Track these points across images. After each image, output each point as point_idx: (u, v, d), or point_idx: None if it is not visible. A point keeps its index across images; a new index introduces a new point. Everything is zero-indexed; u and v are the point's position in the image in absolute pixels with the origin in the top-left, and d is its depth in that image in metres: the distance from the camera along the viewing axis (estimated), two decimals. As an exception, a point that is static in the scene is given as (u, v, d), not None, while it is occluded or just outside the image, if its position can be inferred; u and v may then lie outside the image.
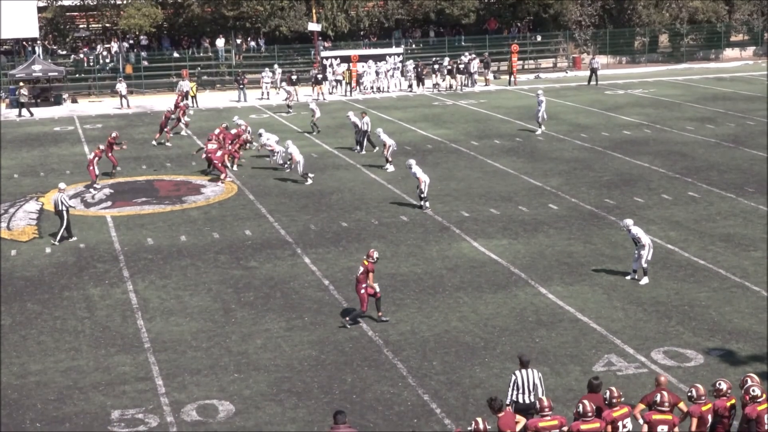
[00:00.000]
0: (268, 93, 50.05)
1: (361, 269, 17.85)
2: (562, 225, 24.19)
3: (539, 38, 61.63)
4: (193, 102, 47.15)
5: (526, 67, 60.68)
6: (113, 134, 32.07)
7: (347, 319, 17.95)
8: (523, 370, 13.26)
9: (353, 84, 50.48)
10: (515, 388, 13.21)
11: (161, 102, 48.93)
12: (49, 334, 18.08)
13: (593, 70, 52.63)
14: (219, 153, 30.12)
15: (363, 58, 52.46)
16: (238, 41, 56.80)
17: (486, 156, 33.16)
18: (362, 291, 17.80)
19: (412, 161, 26.54)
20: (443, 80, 51.63)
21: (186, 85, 47.06)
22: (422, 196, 25.82)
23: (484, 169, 31.10)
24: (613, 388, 12.21)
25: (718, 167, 30.15)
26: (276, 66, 51.28)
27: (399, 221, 24.99)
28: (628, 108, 43.13)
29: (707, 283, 19.75)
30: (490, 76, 54.38)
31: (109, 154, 31.19)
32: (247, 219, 25.68)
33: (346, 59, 52.07)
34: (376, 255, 18.05)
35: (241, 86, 49.05)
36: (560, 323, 17.90)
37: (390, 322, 18.09)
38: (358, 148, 34.07)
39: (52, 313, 19.16)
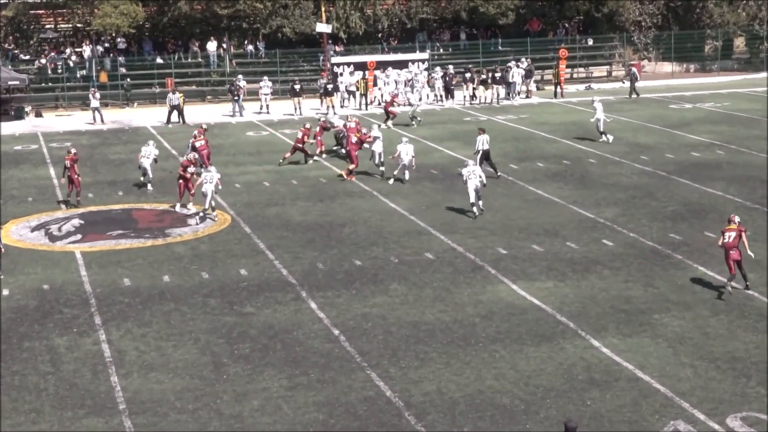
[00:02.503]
0: (267, 106, 50.38)
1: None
2: (618, 265, 24.13)
3: (591, 42, 61.92)
4: (179, 118, 47.49)
5: (575, 76, 60.91)
6: (71, 151, 31.58)
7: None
8: (572, 440, 13.18)
9: (369, 95, 50.69)
10: (563, 460, 13.13)
11: (141, 116, 49.31)
12: (6, 393, 18.10)
13: (631, 80, 52.76)
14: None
15: (380, 64, 52.70)
16: (234, 45, 57.25)
17: (527, 181, 33.19)
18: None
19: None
20: (478, 90, 51.80)
21: (176, 98, 47.28)
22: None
23: (524, 198, 31.11)
24: None
25: (806, 196, 30.10)
26: (266, 79, 51.37)
27: (423, 259, 24.99)
28: (697, 125, 43.11)
29: (794, 336, 19.62)
30: (533, 87, 54.64)
31: (75, 176, 31.06)
32: (243, 256, 25.71)
33: (360, 66, 52.38)
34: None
35: (236, 98, 49.38)
36: (616, 383, 17.78)
37: (413, 379, 18.02)
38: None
39: (9, 368, 19.19)
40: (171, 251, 26.33)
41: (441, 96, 52.35)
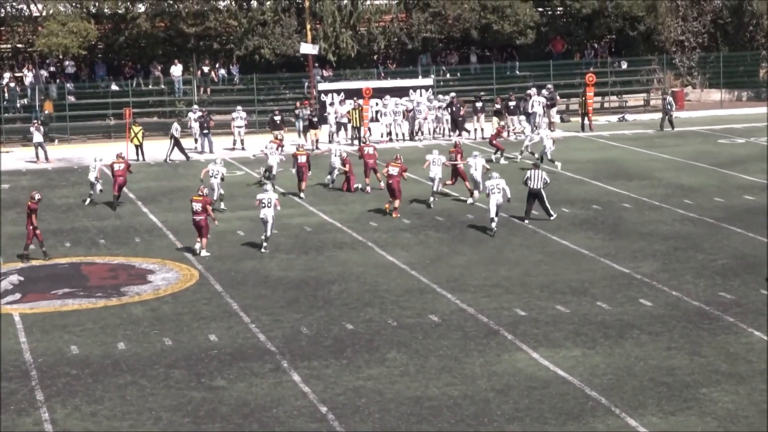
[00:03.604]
0: (242, 141, 50.46)
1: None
2: (658, 329, 24.10)
3: (625, 65, 62.12)
4: (138, 153, 47.64)
5: (606, 105, 60.97)
6: (36, 196, 31.94)
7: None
8: None
9: (364, 128, 50.74)
10: None
11: (93, 153, 49.20)
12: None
13: (665, 111, 52.90)
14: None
15: (376, 92, 52.83)
16: (205, 68, 57.36)
17: (550, 230, 33.25)
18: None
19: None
20: (492, 122, 51.98)
21: (175, 129, 47.92)
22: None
23: (546, 249, 31.15)
24: None
25: None
26: (239, 109, 51.53)
27: (427, 323, 24.97)
28: (751, 163, 43.23)
29: None
30: (556, 118, 54.72)
31: (29, 227, 31.11)
32: (212, 318, 25.68)
33: (352, 93, 52.48)
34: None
35: (206, 131, 49.42)
36: (657, 470, 17.72)
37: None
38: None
39: (-66, 452, 19.11)
40: (127, 313, 26.25)
41: (445, 129, 52.27)
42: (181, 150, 47.84)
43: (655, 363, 22.07)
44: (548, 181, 34.50)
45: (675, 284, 27.35)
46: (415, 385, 21.21)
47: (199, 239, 31.46)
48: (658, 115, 57.91)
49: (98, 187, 38.45)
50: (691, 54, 62.92)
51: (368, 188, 39.32)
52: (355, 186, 39.60)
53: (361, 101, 51.29)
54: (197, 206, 31.20)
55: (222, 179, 37.23)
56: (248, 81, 57.32)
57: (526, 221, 34.04)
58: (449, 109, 51.97)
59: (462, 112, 51.96)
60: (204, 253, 31.26)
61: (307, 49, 55.09)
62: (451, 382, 21.38)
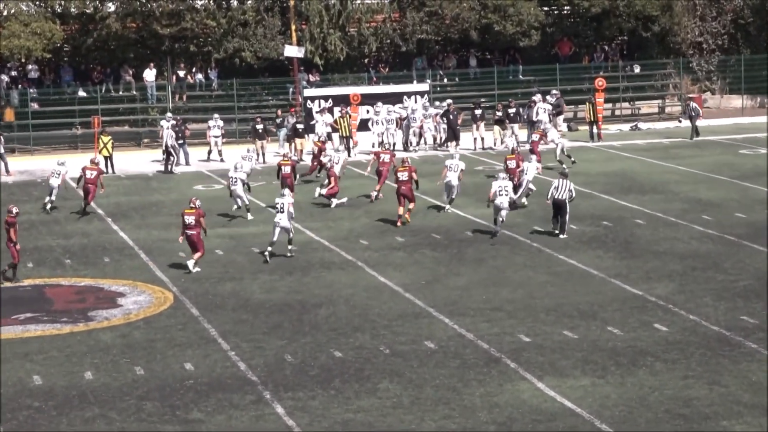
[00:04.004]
0: (219, 152, 50.38)
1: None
2: (674, 356, 24.03)
3: (638, 69, 62.13)
4: (107, 165, 47.50)
5: (617, 113, 60.95)
6: (13, 210, 32.00)
7: None
8: None
9: (353, 138, 50.68)
10: None
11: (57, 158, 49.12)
12: None
13: (691, 117, 52.91)
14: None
15: (367, 98, 52.77)
16: (180, 73, 57.23)
17: (556, 249, 33.23)
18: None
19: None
20: (494, 132, 51.83)
21: (169, 135, 48.08)
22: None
23: (552, 269, 31.11)
24: None
25: None
26: (216, 117, 51.58)
27: (422, 350, 24.88)
28: (776, 176, 43.26)
29: None
30: (563, 127, 54.66)
31: (10, 245, 31.20)
32: (188, 345, 25.59)
33: (341, 100, 52.44)
34: None
35: (181, 141, 49.29)
36: None
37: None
38: None
39: None
40: (95, 340, 26.15)
41: (440, 139, 52.21)
42: (170, 160, 47.84)
43: (671, 393, 21.98)
44: (574, 195, 34.65)
45: (692, 307, 27.29)
46: (410, 418, 21.12)
47: (193, 255, 31.63)
48: (674, 124, 58.16)
49: (55, 191, 40.11)
50: (710, 57, 62.92)
51: (380, 195, 39.74)
52: (339, 201, 39.55)
53: (349, 109, 51.24)
54: (190, 219, 31.30)
55: (246, 184, 38.95)
56: (228, 86, 57.36)
57: (558, 233, 34.34)
58: (445, 117, 51.84)
59: (459, 121, 51.92)
60: (196, 268, 31.50)
61: (292, 51, 55.12)
62: (449, 415, 21.29)
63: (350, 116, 51.01)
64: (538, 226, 35.75)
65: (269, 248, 32.40)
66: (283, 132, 50.89)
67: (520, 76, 60.66)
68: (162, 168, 48.31)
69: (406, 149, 51.40)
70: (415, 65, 60.23)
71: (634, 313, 27.01)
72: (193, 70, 58.57)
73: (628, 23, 60.90)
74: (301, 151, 49.33)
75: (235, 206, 38.41)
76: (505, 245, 33.53)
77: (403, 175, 36.21)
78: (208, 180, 45.98)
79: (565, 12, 63.07)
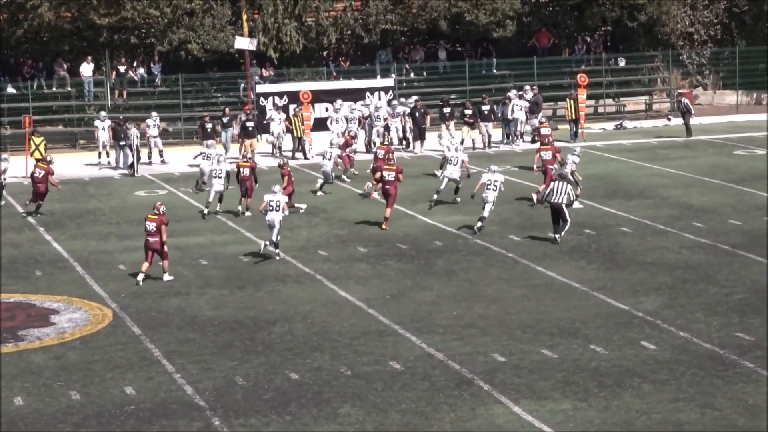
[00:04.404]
0: (160, 152, 50.34)
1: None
2: (663, 376, 23.98)
3: (623, 62, 62.40)
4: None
5: (600, 110, 61.16)
6: None
7: None
8: None
9: (307, 138, 50.57)
10: None
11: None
12: None
13: (683, 114, 53.11)
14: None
15: (327, 95, 52.73)
16: (120, 67, 57.09)
17: (534, 260, 33.20)
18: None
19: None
20: (463, 132, 51.88)
21: (134, 135, 47.98)
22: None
23: (530, 282, 31.07)
24: None
25: None
26: (154, 115, 51.51)
27: (387, 371, 24.76)
28: (773, 179, 43.39)
29: None
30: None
31: None
32: (129, 367, 25.40)
33: (297, 97, 52.40)
34: None
35: (122, 143, 48.95)
36: None
37: None
38: None
39: None
40: (26, 362, 25.93)
41: (406, 139, 52.19)
42: (137, 160, 48.15)
43: (660, 417, 21.95)
44: (573, 199, 35.09)
45: (683, 323, 27.27)
46: (374, 448, 21.00)
47: (162, 263, 31.87)
48: (662, 122, 58.53)
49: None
50: (702, 49, 63.22)
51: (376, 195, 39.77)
52: (297, 206, 39.48)
53: (301, 107, 51.17)
54: (151, 226, 31.44)
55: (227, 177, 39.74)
56: (172, 82, 57.51)
57: (558, 237, 34.55)
58: (413, 114, 51.86)
59: (427, 120, 51.92)
60: (167, 277, 31.74)
61: (243, 44, 55.15)
62: (417, 444, 21.19)
63: (303, 116, 50.79)
64: (515, 236, 35.68)
65: (266, 242, 33.46)
66: (229, 132, 50.65)
67: (494, 71, 60.91)
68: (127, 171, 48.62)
69: (368, 150, 51.23)
70: (379, 59, 60.42)
71: (619, 329, 26.94)
72: (135, 64, 58.64)
73: (612, 12, 61.17)
74: (253, 152, 49.07)
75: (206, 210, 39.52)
76: (478, 256, 33.54)
77: (389, 175, 36.70)
78: (151, 185, 45.80)
79: (544, 0, 63.09)
